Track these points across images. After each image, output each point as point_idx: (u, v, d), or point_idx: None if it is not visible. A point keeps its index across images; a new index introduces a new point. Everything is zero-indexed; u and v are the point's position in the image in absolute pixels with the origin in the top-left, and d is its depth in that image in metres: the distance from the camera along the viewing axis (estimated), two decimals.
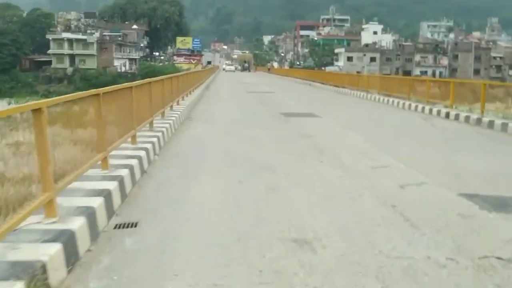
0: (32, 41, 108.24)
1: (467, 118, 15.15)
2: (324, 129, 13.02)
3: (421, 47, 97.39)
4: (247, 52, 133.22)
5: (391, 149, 9.54)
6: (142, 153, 7.36)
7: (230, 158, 8.66)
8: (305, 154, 9.08)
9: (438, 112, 17.06)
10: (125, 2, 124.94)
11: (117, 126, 6.61)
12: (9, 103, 65.07)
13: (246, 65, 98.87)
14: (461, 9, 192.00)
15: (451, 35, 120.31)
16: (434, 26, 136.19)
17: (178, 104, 16.30)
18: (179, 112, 14.21)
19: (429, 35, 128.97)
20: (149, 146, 8.02)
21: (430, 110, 17.67)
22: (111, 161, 6.17)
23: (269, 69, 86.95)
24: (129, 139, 7.65)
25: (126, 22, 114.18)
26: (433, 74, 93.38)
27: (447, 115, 16.34)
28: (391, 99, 22.17)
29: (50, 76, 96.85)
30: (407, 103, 20.02)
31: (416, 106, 19.03)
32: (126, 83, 7.44)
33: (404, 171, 7.60)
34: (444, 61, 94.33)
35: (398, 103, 20.86)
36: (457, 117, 15.74)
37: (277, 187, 6.38)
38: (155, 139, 8.80)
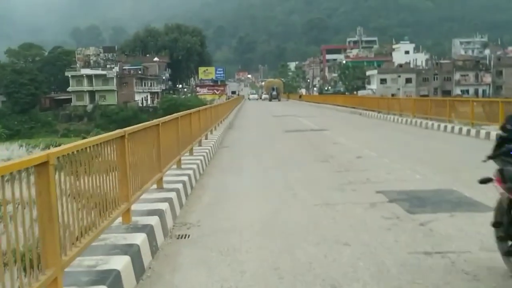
0: (54, 80, 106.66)
1: None
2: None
3: (460, 65, 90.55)
4: (275, 79, 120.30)
5: None
6: None
7: None
8: None
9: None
10: (146, 35, 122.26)
11: None
12: (20, 146, 61.83)
13: (275, 93, 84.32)
14: (490, 24, 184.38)
15: (487, 51, 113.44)
16: (468, 42, 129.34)
17: (191, 153, 11.07)
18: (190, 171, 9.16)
19: (462, 52, 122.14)
20: None
21: None
22: None
23: (300, 96, 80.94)
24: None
25: (147, 55, 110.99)
26: (476, 93, 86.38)
27: None
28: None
29: (70, 114, 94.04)
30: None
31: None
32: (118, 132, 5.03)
33: None
34: (487, 78, 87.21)
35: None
36: None
37: None
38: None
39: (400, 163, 10.71)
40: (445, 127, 19.39)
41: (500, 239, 4.23)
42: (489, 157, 4.21)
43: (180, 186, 7.39)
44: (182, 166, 9.17)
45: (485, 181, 4.24)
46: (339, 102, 43.11)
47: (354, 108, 36.88)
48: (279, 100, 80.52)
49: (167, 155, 7.59)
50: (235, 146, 15.70)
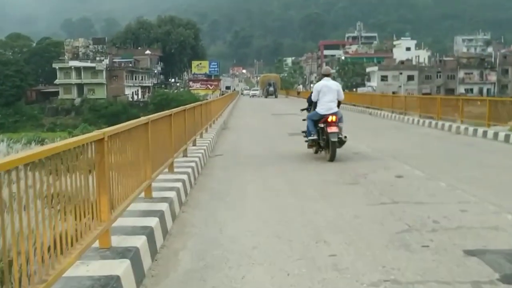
0: (42, 72, 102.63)
1: None
2: None
3: (464, 62, 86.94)
4: (271, 73, 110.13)
5: None
6: None
7: None
8: None
9: None
10: (138, 27, 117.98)
11: None
12: (1, 141, 58.50)
13: (272, 89, 74.52)
14: (491, 22, 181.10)
15: (489, 49, 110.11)
16: (470, 40, 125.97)
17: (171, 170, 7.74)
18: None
19: (464, 50, 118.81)
20: None
21: None
22: None
23: (298, 93, 74.99)
24: None
25: (139, 48, 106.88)
26: (480, 92, 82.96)
27: None
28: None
29: (57, 107, 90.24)
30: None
31: None
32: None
33: None
34: (492, 77, 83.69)
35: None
36: None
37: None
38: None
39: (467, 190, 7.26)
40: (485, 132, 15.66)
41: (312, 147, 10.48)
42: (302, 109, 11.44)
43: (140, 243, 4.19)
44: (154, 195, 5.92)
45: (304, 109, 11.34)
46: (344, 100, 39.08)
47: (356, 106, 33.16)
48: (276, 97, 73.06)
49: (125, 183, 4.65)
50: (231, 154, 12.05)
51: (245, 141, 15.32)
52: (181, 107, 9.29)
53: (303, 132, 11.31)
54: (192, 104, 11.74)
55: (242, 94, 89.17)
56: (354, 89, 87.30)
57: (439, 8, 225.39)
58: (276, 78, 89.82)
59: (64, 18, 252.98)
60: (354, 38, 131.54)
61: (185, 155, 9.41)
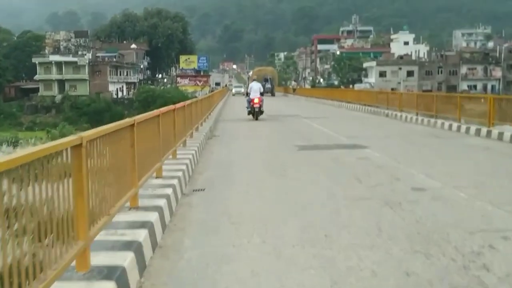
0: (22, 67, 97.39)
1: None
2: None
3: (467, 57, 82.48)
4: (267, 67, 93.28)
5: None
6: None
7: None
8: None
9: None
10: (123, 19, 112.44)
11: None
12: None
13: (268, 85, 60.65)
14: (489, 16, 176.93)
15: (490, 43, 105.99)
16: (470, 34, 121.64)
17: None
18: None
19: (464, 44, 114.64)
20: None
21: None
22: None
23: (294, 90, 68.78)
24: None
25: (124, 42, 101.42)
26: (484, 89, 78.74)
27: None
28: None
29: (36, 105, 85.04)
30: None
31: None
32: None
33: None
34: (497, 72, 79.32)
35: None
36: None
37: None
38: None
39: None
40: None
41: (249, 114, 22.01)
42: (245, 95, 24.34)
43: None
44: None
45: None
46: (350, 98, 33.75)
47: (365, 106, 28.39)
48: (273, 95, 61.18)
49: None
50: (217, 190, 7.50)
51: (238, 160, 10.61)
52: (152, 112, 6.85)
53: (247, 107, 22.73)
54: (171, 107, 8.66)
55: (232, 95, 72.01)
56: (351, 86, 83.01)
57: (435, 1, 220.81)
58: (273, 72, 76.45)
59: (50, 11, 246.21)
60: (349, 32, 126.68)
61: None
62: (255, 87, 22.59)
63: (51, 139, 52.62)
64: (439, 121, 17.53)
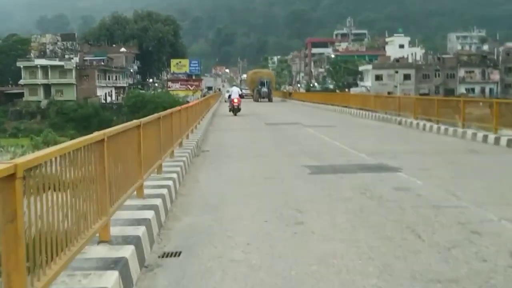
0: (7, 71, 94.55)
1: None
2: None
3: (465, 60, 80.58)
4: (263, 69, 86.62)
5: None
6: None
7: None
8: None
9: None
10: (113, 22, 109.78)
11: None
12: None
13: (265, 89, 56.15)
14: (482, 19, 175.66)
15: (485, 46, 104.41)
16: (465, 37, 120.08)
17: None
18: None
19: (459, 47, 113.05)
20: None
21: None
22: None
23: (290, 94, 65.08)
24: None
25: (114, 45, 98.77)
26: (482, 92, 76.96)
27: None
28: None
29: (21, 110, 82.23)
30: None
31: None
32: None
33: None
34: (495, 75, 77.47)
35: None
36: None
37: None
38: None
39: None
40: None
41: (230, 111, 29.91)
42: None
43: None
44: None
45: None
46: (353, 104, 30.77)
47: (371, 112, 25.90)
48: (270, 100, 55.69)
49: None
50: (203, 242, 5.08)
51: (232, 194, 7.74)
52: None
53: (228, 106, 29.86)
54: (152, 117, 7.27)
55: (225, 101, 62.09)
56: (346, 90, 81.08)
57: (428, 4, 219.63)
58: (270, 75, 68.39)
59: (40, 15, 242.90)
60: (343, 35, 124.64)
61: None
62: (235, 91, 30.81)
63: (34, 146, 50.06)
64: (469, 131, 14.98)
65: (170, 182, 7.18)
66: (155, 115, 7.56)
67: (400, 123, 21.16)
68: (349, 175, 8.94)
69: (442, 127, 17.11)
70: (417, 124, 19.25)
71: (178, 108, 11.40)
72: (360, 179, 8.48)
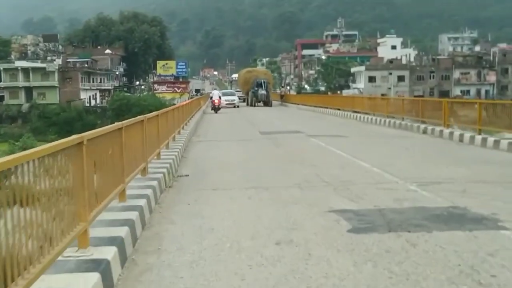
0: None
1: None
2: None
3: (460, 61, 78.78)
4: (260, 68, 77.83)
5: None
6: None
7: None
8: None
9: None
10: (98, 23, 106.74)
11: None
12: None
13: (262, 92, 48.61)
14: (471, 21, 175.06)
15: (477, 47, 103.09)
16: (456, 38, 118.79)
17: None
18: None
19: (450, 48, 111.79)
20: None
21: None
22: None
23: (282, 96, 59.73)
24: None
25: (99, 47, 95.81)
26: (478, 94, 75.19)
27: None
28: None
29: (1, 114, 79.06)
30: None
31: None
32: None
33: None
34: (491, 77, 75.75)
35: None
36: None
37: None
38: None
39: None
40: None
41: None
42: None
43: None
44: None
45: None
46: (358, 107, 27.31)
47: (376, 116, 23.23)
48: (268, 105, 48.78)
49: None
50: None
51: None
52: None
53: (210, 106, 37.97)
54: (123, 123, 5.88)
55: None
56: (338, 92, 79.00)
57: (417, 6, 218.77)
58: (267, 75, 57.37)
59: (26, 17, 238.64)
60: (333, 36, 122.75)
61: None
62: (215, 93, 39.09)
63: (10, 152, 47.18)
64: None
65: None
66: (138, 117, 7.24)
67: (425, 131, 17.44)
68: (418, 237, 5.15)
69: (491, 139, 13.15)
70: (450, 133, 15.53)
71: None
72: (443, 249, 4.75)
